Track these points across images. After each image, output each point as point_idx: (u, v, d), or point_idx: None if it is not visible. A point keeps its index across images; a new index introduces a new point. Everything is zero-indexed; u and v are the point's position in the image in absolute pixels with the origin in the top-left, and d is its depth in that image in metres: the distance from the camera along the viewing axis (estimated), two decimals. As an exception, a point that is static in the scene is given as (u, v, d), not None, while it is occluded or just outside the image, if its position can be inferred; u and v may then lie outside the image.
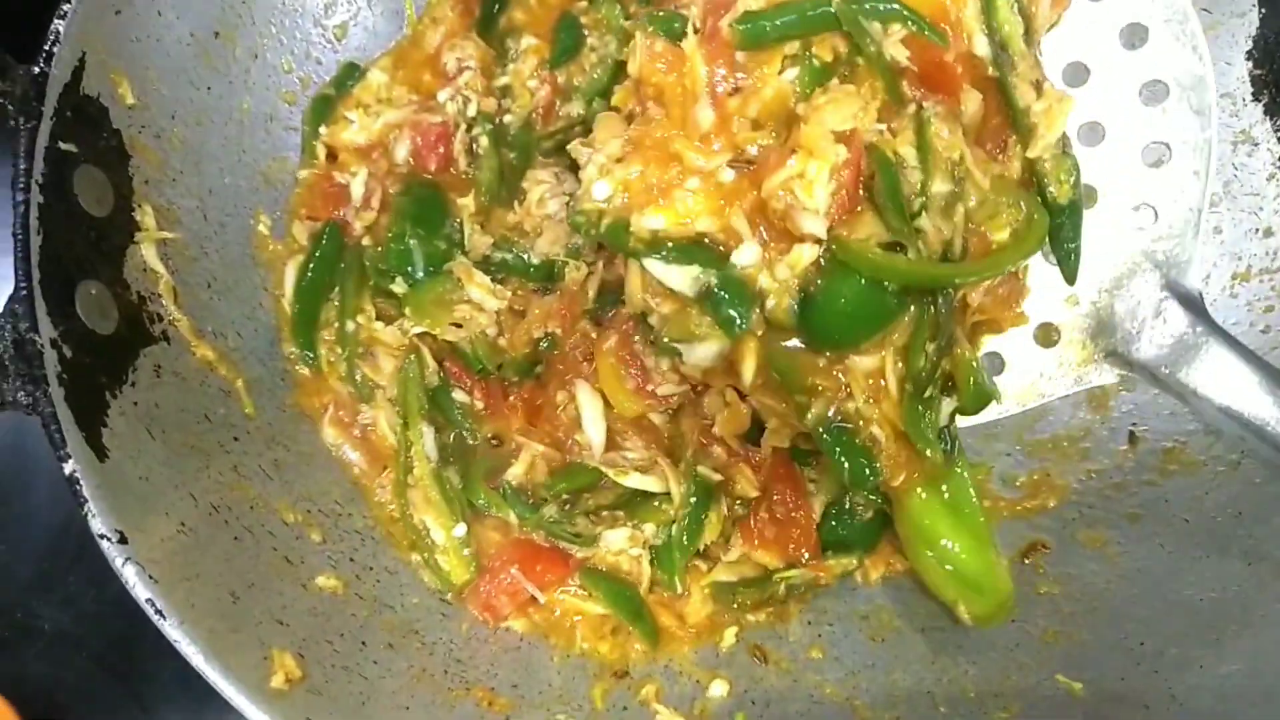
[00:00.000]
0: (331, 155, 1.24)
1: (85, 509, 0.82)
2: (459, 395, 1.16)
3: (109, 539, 0.82)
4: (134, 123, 1.03)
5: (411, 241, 1.16)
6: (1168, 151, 1.05)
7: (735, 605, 1.12)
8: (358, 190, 1.20)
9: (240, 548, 0.96)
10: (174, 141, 1.08)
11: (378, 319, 1.17)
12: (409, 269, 1.16)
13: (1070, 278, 1.01)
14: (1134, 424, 1.17)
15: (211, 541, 0.94)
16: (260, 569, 0.97)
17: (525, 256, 1.19)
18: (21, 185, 0.88)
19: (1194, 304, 1.00)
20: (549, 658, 1.09)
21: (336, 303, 1.17)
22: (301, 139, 1.24)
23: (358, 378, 1.16)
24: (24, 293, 0.85)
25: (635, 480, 1.08)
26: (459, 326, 1.16)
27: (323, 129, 1.23)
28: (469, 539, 1.10)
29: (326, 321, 1.18)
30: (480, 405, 1.16)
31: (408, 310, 1.15)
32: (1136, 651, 1.00)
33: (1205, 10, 1.13)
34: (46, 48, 0.93)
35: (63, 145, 0.92)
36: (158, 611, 0.81)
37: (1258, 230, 1.14)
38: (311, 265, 1.17)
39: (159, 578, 0.83)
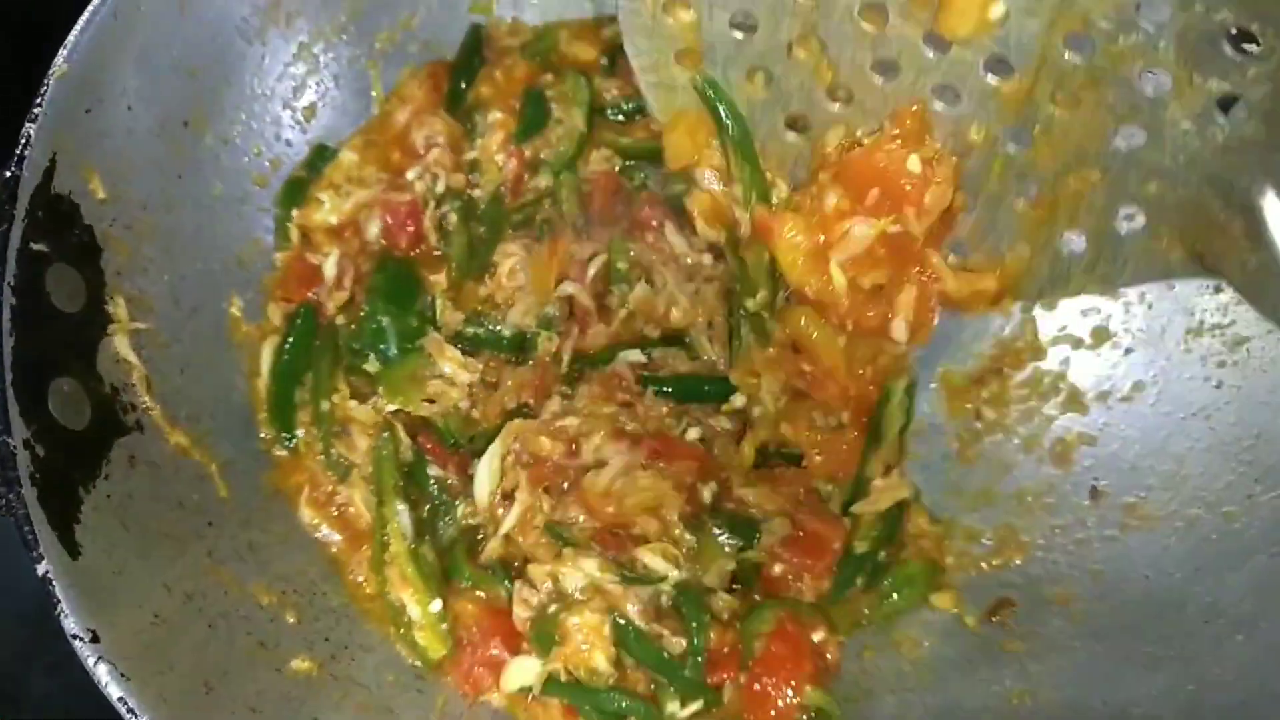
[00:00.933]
0: (305, 236, 1.26)
1: (58, 610, 0.84)
2: (434, 470, 1.17)
3: (81, 639, 0.83)
4: (105, 217, 1.05)
5: (384, 319, 1.19)
6: None
7: None
8: (330, 270, 1.22)
9: (214, 635, 0.97)
10: (145, 231, 1.10)
11: (351, 397, 1.19)
12: (382, 346, 1.18)
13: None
14: (1095, 478, 1.19)
15: (185, 631, 0.94)
16: (234, 656, 0.97)
17: (497, 329, 1.22)
18: (-7, 288, 0.89)
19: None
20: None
21: (310, 384, 1.18)
22: (275, 222, 1.26)
23: (333, 455, 1.17)
24: (-4, 395, 0.87)
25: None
26: (432, 402, 1.18)
27: (295, 211, 1.26)
28: (445, 614, 1.10)
29: (302, 402, 1.19)
30: (454, 480, 1.17)
31: (381, 388, 1.17)
32: (1099, 711, 1.01)
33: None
34: (18, 151, 0.95)
35: (34, 246, 0.94)
36: (130, 710, 0.83)
37: (1208, 286, 1.16)
38: (287, 347, 1.19)
39: (131, 674, 0.84)
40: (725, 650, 1.07)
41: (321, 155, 1.29)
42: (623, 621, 1.04)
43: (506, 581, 1.09)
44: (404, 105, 1.33)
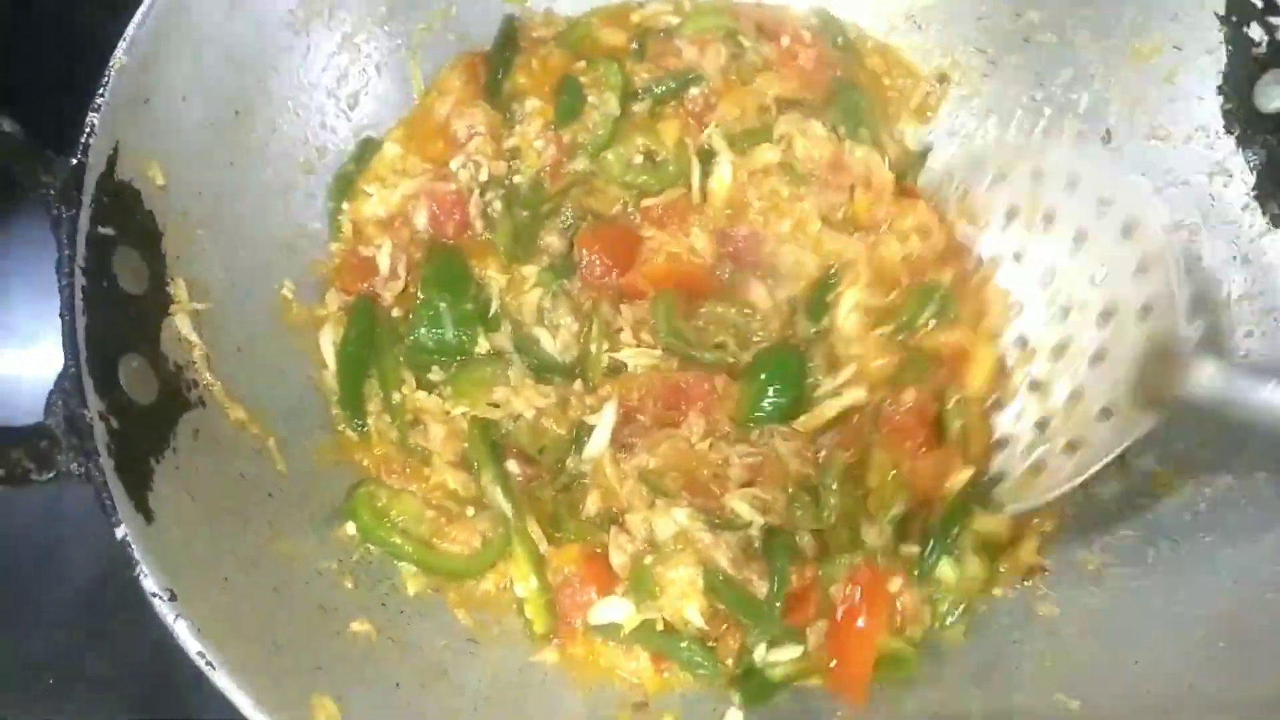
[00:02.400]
0: (357, 229, 1.30)
1: (137, 570, 0.87)
2: (511, 466, 1.20)
3: (160, 597, 0.87)
4: (164, 202, 1.07)
5: (441, 305, 1.22)
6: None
7: None
8: (384, 262, 1.26)
9: (278, 599, 1.00)
10: (201, 216, 1.12)
11: (418, 388, 1.22)
12: (438, 331, 1.22)
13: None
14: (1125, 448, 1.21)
15: (251, 594, 0.98)
16: (298, 618, 1.01)
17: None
18: (66, 270, 0.93)
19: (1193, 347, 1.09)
20: (574, 692, 1.12)
21: (377, 375, 1.22)
22: (328, 215, 1.30)
23: (411, 444, 1.20)
24: (72, 370, 0.90)
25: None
26: (497, 406, 1.21)
27: (345, 205, 1.29)
28: (545, 589, 1.14)
29: (371, 393, 1.22)
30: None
31: (448, 390, 1.21)
32: (1131, 671, 1.04)
33: (1176, 46, 1.19)
34: (83, 140, 0.98)
35: (102, 229, 0.97)
36: (208, 663, 0.86)
37: (1235, 258, 1.20)
38: (350, 340, 1.22)
39: (208, 632, 0.87)
40: (807, 593, 1.12)
41: (367, 149, 1.32)
42: (714, 570, 1.08)
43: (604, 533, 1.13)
44: (444, 97, 1.36)
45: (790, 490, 1.16)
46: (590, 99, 1.35)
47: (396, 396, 1.21)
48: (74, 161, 0.97)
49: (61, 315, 0.92)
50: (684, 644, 1.10)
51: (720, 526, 1.11)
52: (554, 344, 1.24)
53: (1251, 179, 1.18)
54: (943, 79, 1.41)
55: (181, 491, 0.97)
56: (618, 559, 1.11)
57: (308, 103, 1.29)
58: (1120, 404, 1.11)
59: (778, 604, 1.10)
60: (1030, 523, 1.20)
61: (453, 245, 1.28)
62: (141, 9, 1.06)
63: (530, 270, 1.27)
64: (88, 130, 0.99)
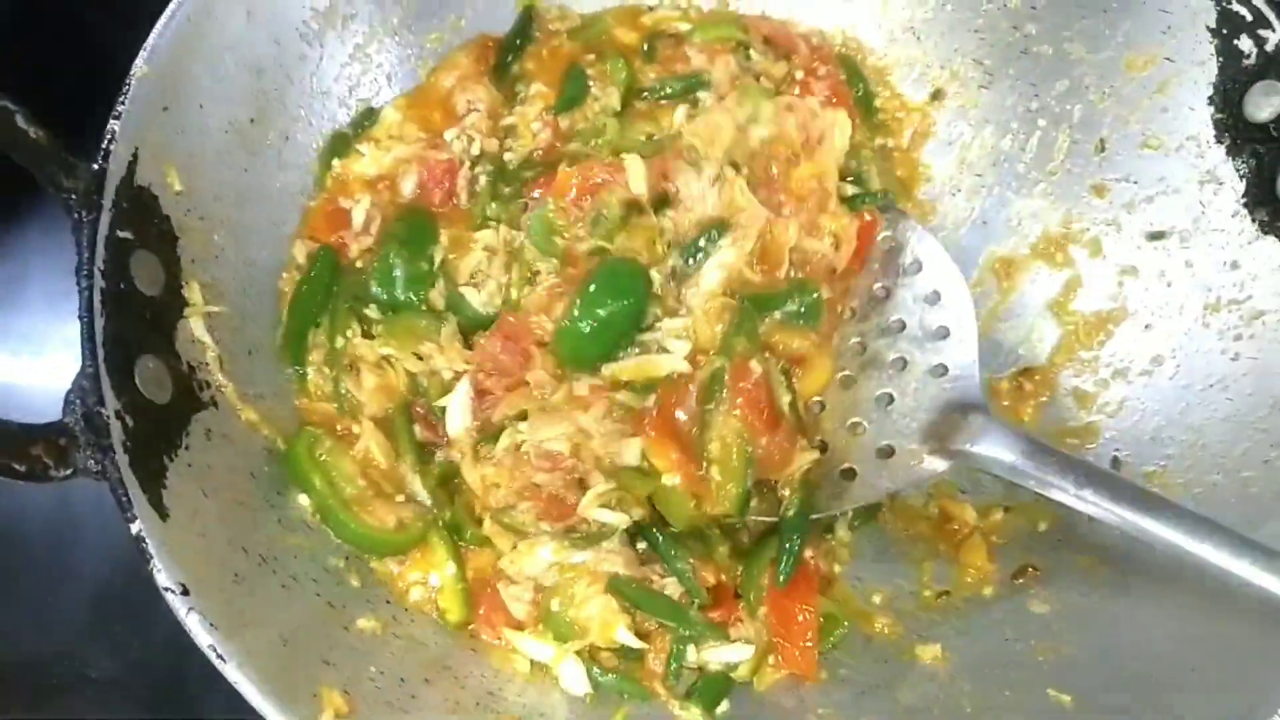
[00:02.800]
0: (341, 183, 1.30)
1: (151, 565, 0.90)
2: (419, 431, 1.20)
3: (173, 591, 0.89)
4: (181, 207, 1.10)
5: (395, 261, 1.23)
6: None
7: None
8: (359, 216, 1.27)
9: (288, 594, 1.03)
10: (216, 221, 1.15)
11: (362, 336, 1.22)
12: (390, 287, 1.22)
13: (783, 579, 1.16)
14: (1118, 450, 1.25)
15: (262, 590, 1.00)
16: (306, 614, 1.03)
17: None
18: (85, 273, 0.95)
19: (983, 408, 1.18)
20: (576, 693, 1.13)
21: (326, 325, 1.22)
22: (315, 173, 1.30)
23: (343, 392, 1.20)
24: (90, 370, 0.93)
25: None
26: (420, 358, 1.21)
27: (336, 162, 1.30)
28: (460, 576, 1.15)
29: (316, 344, 1.22)
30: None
31: (379, 329, 1.21)
32: (1122, 664, 1.06)
33: (1168, 58, 1.22)
34: (104, 146, 1.01)
35: (120, 233, 0.99)
36: (219, 656, 0.88)
37: (1225, 263, 1.22)
38: (305, 284, 1.23)
39: (219, 626, 0.90)
40: (723, 585, 1.14)
41: (367, 115, 1.34)
42: (618, 582, 1.10)
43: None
44: (450, 71, 1.37)
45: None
46: (594, 90, 1.36)
47: (340, 341, 1.21)
48: (95, 167, 1.00)
49: (80, 317, 0.95)
50: (607, 677, 1.12)
51: (588, 540, 1.12)
52: (479, 298, 1.24)
53: (1241, 186, 1.19)
54: (937, 95, 1.44)
55: (195, 489, 1.00)
56: (519, 610, 1.12)
57: (320, 111, 1.31)
58: (904, 445, 1.19)
59: (695, 601, 1.12)
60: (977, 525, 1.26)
61: (428, 210, 1.29)
62: (162, 19, 1.09)
63: (483, 234, 1.27)
64: (109, 137, 1.02)
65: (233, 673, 0.89)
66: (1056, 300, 1.34)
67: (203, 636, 0.89)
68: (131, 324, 1.00)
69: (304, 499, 1.14)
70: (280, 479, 1.14)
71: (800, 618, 1.13)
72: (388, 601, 1.13)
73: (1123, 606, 1.12)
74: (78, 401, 0.93)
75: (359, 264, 1.26)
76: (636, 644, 1.10)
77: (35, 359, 1.53)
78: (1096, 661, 1.07)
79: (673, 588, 1.13)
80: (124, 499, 0.91)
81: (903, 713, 1.10)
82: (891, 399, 1.23)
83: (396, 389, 1.21)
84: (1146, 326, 1.27)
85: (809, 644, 1.13)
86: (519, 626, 1.13)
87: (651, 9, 1.45)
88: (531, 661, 1.13)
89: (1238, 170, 1.20)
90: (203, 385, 1.09)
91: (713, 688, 1.12)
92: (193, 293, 1.10)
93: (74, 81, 1.28)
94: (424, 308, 1.24)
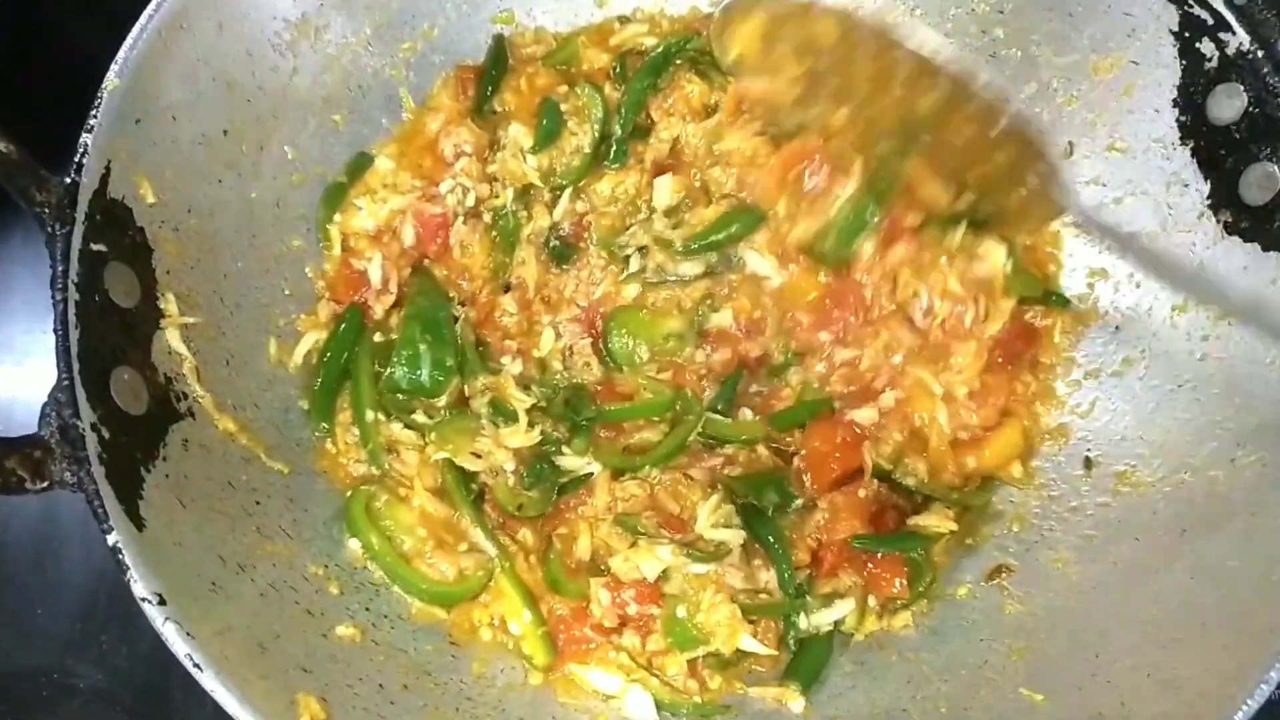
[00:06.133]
0: (346, 242, 1.32)
1: (128, 575, 0.90)
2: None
3: (150, 601, 0.90)
4: (155, 219, 1.09)
5: (421, 347, 1.23)
6: None
7: None
8: (375, 274, 1.29)
9: (265, 602, 1.03)
10: (191, 233, 1.14)
11: (393, 421, 1.24)
12: (416, 372, 1.23)
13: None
14: (1089, 450, 1.26)
15: (239, 598, 1.00)
16: (284, 621, 1.03)
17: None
18: (59, 286, 0.96)
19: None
20: (554, 696, 1.16)
21: (350, 391, 1.25)
22: (316, 224, 1.32)
23: (387, 468, 1.22)
24: (65, 383, 0.93)
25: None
26: (479, 456, 1.21)
27: (336, 217, 1.32)
28: (539, 619, 1.16)
29: (342, 406, 1.25)
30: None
31: (431, 436, 1.22)
32: (1092, 663, 1.07)
33: (1133, 61, 1.23)
34: (76, 159, 1.01)
35: (94, 246, 0.99)
36: (195, 665, 0.89)
37: (1192, 263, 1.21)
38: (335, 341, 1.24)
39: (195, 634, 0.90)
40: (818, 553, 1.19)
41: (360, 164, 1.35)
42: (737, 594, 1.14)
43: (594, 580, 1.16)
44: (434, 114, 1.38)
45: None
46: (569, 125, 1.35)
47: (369, 415, 1.23)
48: (68, 180, 0.99)
49: (55, 329, 0.95)
50: (684, 710, 1.15)
51: (705, 558, 1.14)
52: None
53: (1206, 188, 1.20)
54: None
55: (171, 499, 1.00)
56: (609, 618, 1.15)
57: (295, 121, 1.30)
58: None
59: (794, 585, 1.16)
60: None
61: (436, 278, 1.31)
62: (133, 32, 1.08)
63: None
64: (81, 150, 1.01)
65: (209, 681, 0.89)
66: None
67: (179, 645, 0.89)
68: (106, 336, 1.00)
69: (354, 543, 1.17)
70: (260, 487, 1.14)
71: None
72: (366, 609, 1.13)
73: (1096, 608, 1.13)
74: (53, 414, 0.93)
75: (377, 336, 1.29)
76: (763, 650, 1.14)
77: (18, 368, 1.52)
78: (1068, 662, 1.08)
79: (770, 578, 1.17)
80: (100, 510, 0.91)
81: (880, 714, 1.11)
82: None
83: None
84: (1116, 329, 1.28)
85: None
86: (605, 632, 1.15)
87: (623, 21, 1.45)
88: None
89: (1201, 171, 1.21)
90: (180, 396, 1.08)
91: (811, 660, 1.16)
92: (168, 304, 1.10)
93: (48, 93, 1.27)
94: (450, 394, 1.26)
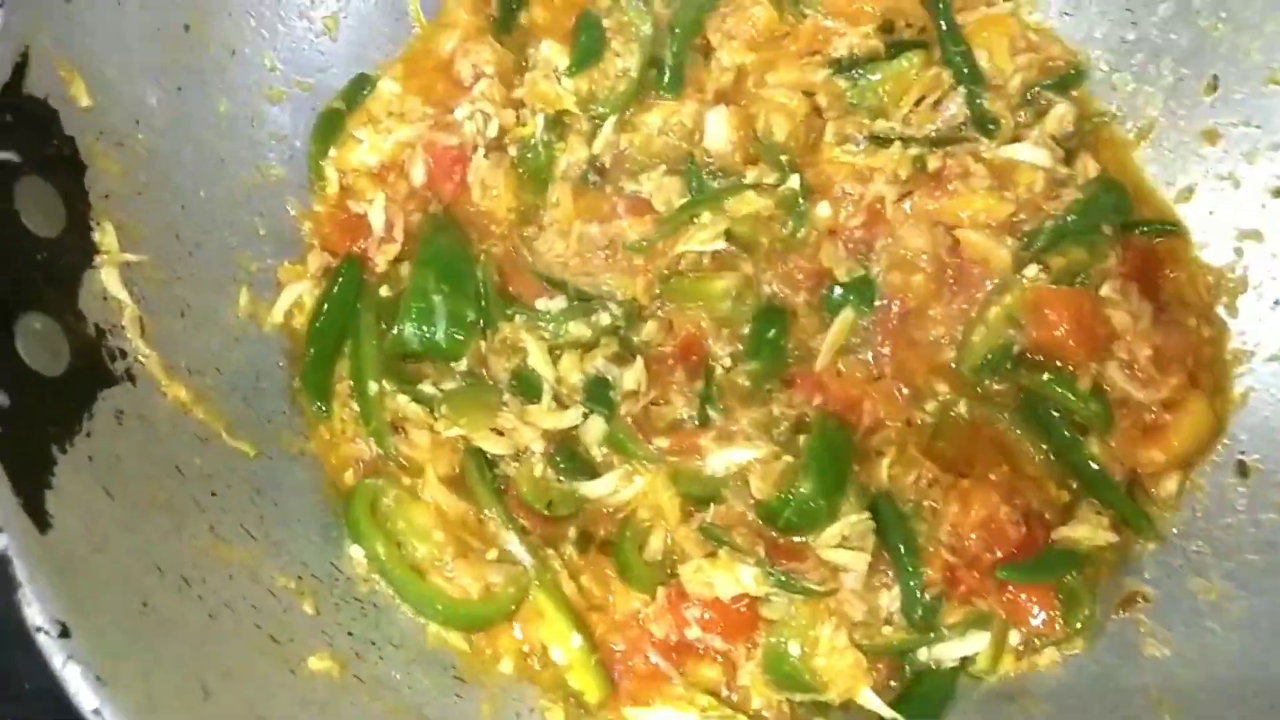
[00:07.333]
0: (343, 181, 1.20)
1: (19, 594, 0.71)
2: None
3: (47, 633, 0.71)
4: (90, 128, 0.96)
5: (436, 298, 1.09)
6: None
7: None
8: (377, 219, 1.15)
9: (215, 627, 0.87)
10: (139, 150, 1.01)
11: (399, 394, 1.10)
12: (427, 329, 1.08)
13: None
14: (1243, 452, 1.11)
15: (180, 622, 0.84)
16: (239, 652, 0.88)
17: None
18: (-53, 204, 0.80)
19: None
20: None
21: (350, 353, 1.11)
22: (308, 160, 1.19)
23: (393, 451, 1.09)
24: (-51, 333, 0.77)
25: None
26: (501, 434, 1.07)
27: (332, 151, 1.19)
28: (589, 647, 1.02)
29: (339, 376, 1.12)
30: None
31: (443, 409, 1.07)
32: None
33: None
34: None
35: (1, 154, 0.85)
36: (104, 724, 0.70)
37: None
38: (329, 302, 1.12)
39: (109, 677, 0.71)
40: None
41: (361, 85, 1.23)
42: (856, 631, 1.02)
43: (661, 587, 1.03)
44: (449, 30, 1.25)
45: None
46: (614, 44, 1.22)
47: (373, 387, 1.09)
48: (-32, 68, 0.84)
49: (-58, 261, 0.80)
50: None
51: (800, 591, 1.00)
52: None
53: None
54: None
55: (94, 488, 0.84)
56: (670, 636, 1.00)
57: (275, 21, 1.17)
58: None
59: (921, 606, 1.02)
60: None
61: (454, 218, 1.17)
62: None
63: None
64: (-12, 30, 0.87)
65: (127, 749, 0.72)
66: None
67: (85, 698, 0.70)
68: (15, 271, 0.85)
69: (358, 550, 1.04)
70: (218, 474, 0.98)
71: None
72: (349, 633, 0.97)
73: (1257, 641, 0.99)
74: (-66, 374, 0.77)
75: (383, 290, 1.15)
76: (888, 713, 1.00)
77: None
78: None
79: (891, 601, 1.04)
80: (-12, 504, 0.73)
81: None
82: None
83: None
84: (1275, 302, 1.14)
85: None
86: (678, 659, 1.02)
87: None
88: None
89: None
90: (115, 354, 0.94)
91: (928, 696, 1.03)
92: (105, 236, 0.95)
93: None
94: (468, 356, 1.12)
